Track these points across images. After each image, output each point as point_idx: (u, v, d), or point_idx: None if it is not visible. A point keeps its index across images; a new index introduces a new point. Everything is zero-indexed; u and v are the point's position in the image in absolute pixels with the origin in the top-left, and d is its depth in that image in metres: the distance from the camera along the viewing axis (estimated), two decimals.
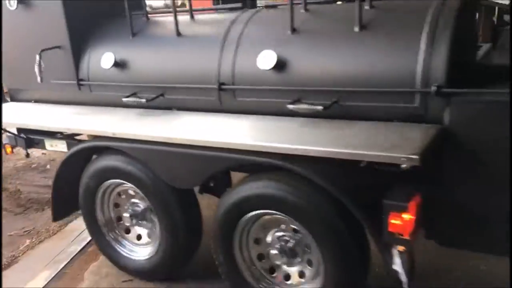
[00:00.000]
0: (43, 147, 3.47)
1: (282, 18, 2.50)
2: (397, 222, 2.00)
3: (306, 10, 2.54)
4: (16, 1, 3.14)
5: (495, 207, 2.08)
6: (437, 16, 2.15)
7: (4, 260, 3.50)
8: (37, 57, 3.08)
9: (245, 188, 2.35)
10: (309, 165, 2.12)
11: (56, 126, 2.94)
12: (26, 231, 3.89)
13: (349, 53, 2.30)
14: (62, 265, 3.36)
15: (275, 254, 2.45)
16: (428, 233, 2.28)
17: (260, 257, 2.56)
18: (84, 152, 2.89)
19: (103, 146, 2.76)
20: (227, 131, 2.37)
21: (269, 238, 2.48)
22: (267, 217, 2.41)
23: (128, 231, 3.04)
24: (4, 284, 3.20)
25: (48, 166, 5.36)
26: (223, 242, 2.50)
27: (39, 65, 3.11)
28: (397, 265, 2.07)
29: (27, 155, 3.70)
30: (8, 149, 3.63)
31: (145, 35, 2.95)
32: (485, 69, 2.54)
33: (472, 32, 2.53)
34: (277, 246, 2.45)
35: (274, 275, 2.54)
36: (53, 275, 3.25)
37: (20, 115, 3.26)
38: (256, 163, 2.24)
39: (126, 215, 2.96)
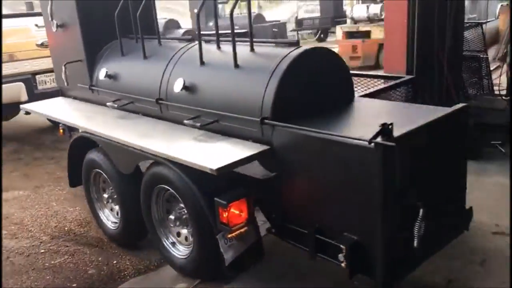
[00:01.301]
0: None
1: (204, 51, 3.29)
2: (224, 215, 2.73)
3: (218, 47, 3.29)
4: (55, 26, 4.35)
5: (304, 210, 2.70)
6: (278, 63, 2.78)
7: (154, 262, 3.65)
8: (63, 67, 4.27)
9: (154, 168, 3.24)
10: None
11: (66, 120, 4.09)
12: None
13: (226, 85, 3.04)
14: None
15: (172, 219, 3.30)
16: (269, 227, 2.96)
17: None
18: (79, 140, 4.00)
19: (85, 136, 3.84)
20: (144, 135, 3.26)
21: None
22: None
23: (108, 203, 4.05)
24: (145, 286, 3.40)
25: None
26: (144, 204, 3.41)
27: (65, 73, 4.31)
28: (221, 246, 2.80)
29: (70, 137, 4.90)
30: (60, 131, 4.87)
31: (130, 55, 3.94)
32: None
33: (335, 72, 3.04)
34: (174, 214, 3.31)
35: (179, 238, 3.40)
36: None
37: (58, 108, 4.48)
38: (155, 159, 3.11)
39: (105, 195, 4.01)
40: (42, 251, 3.91)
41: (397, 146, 2.16)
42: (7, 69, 6.28)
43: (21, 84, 6.31)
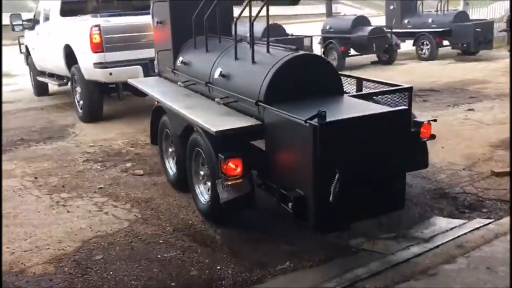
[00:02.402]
0: None
1: (241, 49, 4.37)
2: (224, 167, 3.79)
3: (251, 47, 4.34)
4: (156, 22, 5.74)
5: (276, 170, 3.66)
6: (276, 62, 3.77)
7: (254, 277, 3.58)
8: (156, 54, 5.65)
9: (193, 136, 4.39)
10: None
11: (149, 93, 5.45)
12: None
13: (244, 76, 4.10)
14: None
15: (202, 174, 4.45)
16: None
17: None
18: (157, 108, 5.33)
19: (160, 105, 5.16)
20: (190, 107, 4.43)
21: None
22: None
23: (171, 155, 5.34)
24: None
25: None
26: (188, 161, 4.60)
27: (157, 59, 5.69)
28: (218, 189, 3.86)
29: None
30: (155, 102, 6.27)
31: (199, 48, 5.15)
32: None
33: (323, 74, 3.93)
34: (203, 171, 4.45)
35: (204, 188, 4.52)
36: None
37: (149, 84, 5.91)
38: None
39: (170, 150, 5.31)
40: (161, 241, 4.13)
41: (323, 127, 3.05)
42: (132, 55, 7.93)
43: (139, 67, 7.90)
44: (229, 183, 3.82)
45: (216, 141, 3.93)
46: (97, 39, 7.90)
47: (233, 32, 5.02)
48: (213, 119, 3.98)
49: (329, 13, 16.44)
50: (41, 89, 11.42)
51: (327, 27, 14.86)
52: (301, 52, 3.85)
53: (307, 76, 3.83)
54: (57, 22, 9.14)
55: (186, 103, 4.62)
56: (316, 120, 3.10)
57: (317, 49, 13.73)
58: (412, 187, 5.01)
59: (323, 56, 4.25)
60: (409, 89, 4.26)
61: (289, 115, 3.33)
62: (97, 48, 7.91)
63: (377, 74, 11.98)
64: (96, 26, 7.84)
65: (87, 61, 8.09)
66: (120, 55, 7.95)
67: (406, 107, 3.41)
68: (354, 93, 4.13)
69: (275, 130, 3.62)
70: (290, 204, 3.40)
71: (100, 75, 7.95)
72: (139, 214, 4.67)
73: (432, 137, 4.52)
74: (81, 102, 8.69)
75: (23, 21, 10.73)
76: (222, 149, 3.84)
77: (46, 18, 9.77)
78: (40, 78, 10.84)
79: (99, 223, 4.53)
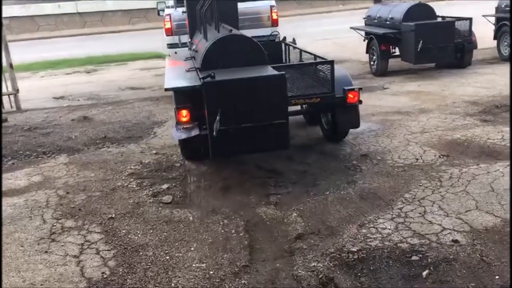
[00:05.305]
0: None
1: (211, 30, 5.93)
2: (178, 114, 5.40)
3: (204, 27, 5.87)
4: (181, 12, 7.50)
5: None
6: (215, 38, 5.26)
7: None
8: (178, 37, 7.45)
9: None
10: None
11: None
12: None
13: (200, 50, 5.65)
14: None
15: None
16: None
17: None
18: None
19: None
20: (177, 77, 6.12)
21: None
22: None
23: None
24: None
25: None
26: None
27: (179, 39, 7.48)
28: (173, 130, 5.48)
29: None
30: None
31: (201, 33, 6.78)
32: None
33: (250, 49, 5.28)
34: None
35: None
36: None
37: (174, 59, 7.70)
38: None
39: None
40: None
41: (207, 83, 4.53)
42: None
43: None
44: (181, 126, 5.44)
45: (175, 96, 5.57)
46: (168, 25, 9.97)
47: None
48: (174, 82, 5.62)
49: None
50: None
51: (503, 5, 11.43)
52: (231, 33, 5.31)
53: (235, 51, 5.25)
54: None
55: (176, 72, 6.32)
56: (208, 78, 4.59)
57: (487, 33, 11.78)
58: None
59: (248, 36, 5.57)
60: (331, 62, 5.44)
61: (199, 75, 4.86)
62: (168, 32, 9.99)
63: None
64: (168, 15, 9.90)
65: (165, 42, 10.21)
66: (185, 38, 9.90)
67: (281, 73, 4.69)
68: (275, 65, 5.46)
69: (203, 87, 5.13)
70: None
71: (170, 53, 10.01)
72: (109, 272, 3.85)
73: (360, 102, 5.67)
74: None
75: (166, 6, 11.87)
76: (179, 102, 5.46)
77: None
78: None
79: (57, 279, 3.80)
